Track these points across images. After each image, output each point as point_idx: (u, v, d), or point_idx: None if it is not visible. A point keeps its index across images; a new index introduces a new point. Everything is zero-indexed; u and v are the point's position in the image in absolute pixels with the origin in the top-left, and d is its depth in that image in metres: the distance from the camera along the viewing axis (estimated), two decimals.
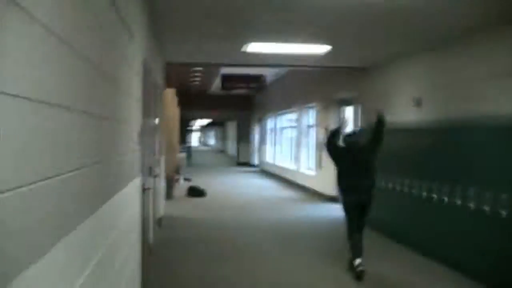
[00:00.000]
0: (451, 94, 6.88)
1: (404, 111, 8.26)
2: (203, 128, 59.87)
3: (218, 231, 8.96)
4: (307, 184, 14.83)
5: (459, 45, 6.67)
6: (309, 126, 15.27)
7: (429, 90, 7.54)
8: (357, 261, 6.11)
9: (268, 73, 17.24)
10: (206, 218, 10.26)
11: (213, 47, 8.63)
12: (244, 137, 27.44)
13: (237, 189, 15.80)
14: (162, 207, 9.65)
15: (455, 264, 6.37)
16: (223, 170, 24.93)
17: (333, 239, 8.16)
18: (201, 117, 33.98)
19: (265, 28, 6.82)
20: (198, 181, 16.20)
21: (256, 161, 25.49)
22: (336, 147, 6.60)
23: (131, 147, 4.08)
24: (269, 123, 21.74)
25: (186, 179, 17.37)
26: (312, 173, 14.44)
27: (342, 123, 7.05)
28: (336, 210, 10.20)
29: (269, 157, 21.52)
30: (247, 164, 26.45)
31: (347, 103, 11.54)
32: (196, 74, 16.56)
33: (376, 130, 6.48)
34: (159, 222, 8.57)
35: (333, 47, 7.98)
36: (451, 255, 6.50)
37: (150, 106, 5.90)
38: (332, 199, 11.99)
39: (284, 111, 18.58)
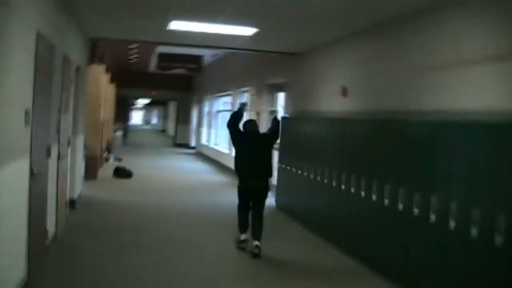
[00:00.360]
0: (377, 84, 6.78)
1: (330, 99, 8.17)
2: (147, 107, 58.72)
3: (137, 216, 8.57)
4: None
5: (393, 32, 6.42)
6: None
7: (356, 79, 7.44)
8: (243, 236, 6.55)
9: (206, 54, 16.87)
10: (128, 202, 9.84)
11: (135, 24, 8.28)
12: (183, 118, 26.93)
13: (169, 172, 15.45)
14: (79, 189, 9.23)
15: (354, 252, 6.36)
16: (160, 150, 24.45)
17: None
18: (141, 96, 33.23)
19: (187, 4, 6.53)
20: (130, 162, 15.67)
21: (193, 143, 25.15)
22: (238, 129, 6.74)
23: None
24: (207, 105, 21.41)
25: (117, 159, 16.86)
26: None
27: (242, 107, 7.12)
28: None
29: (205, 140, 21.24)
30: (185, 145, 26.04)
31: (279, 88, 11.43)
32: (132, 52, 15.99)
33: (274, 129, 7.10)
34: (72, 205, 8.16)
35: (260, 29, 7.76)
36: (353, 244, 6.46)
37: (51, 82, 5.50)
38: None
39: (220, 93, 18.30)
